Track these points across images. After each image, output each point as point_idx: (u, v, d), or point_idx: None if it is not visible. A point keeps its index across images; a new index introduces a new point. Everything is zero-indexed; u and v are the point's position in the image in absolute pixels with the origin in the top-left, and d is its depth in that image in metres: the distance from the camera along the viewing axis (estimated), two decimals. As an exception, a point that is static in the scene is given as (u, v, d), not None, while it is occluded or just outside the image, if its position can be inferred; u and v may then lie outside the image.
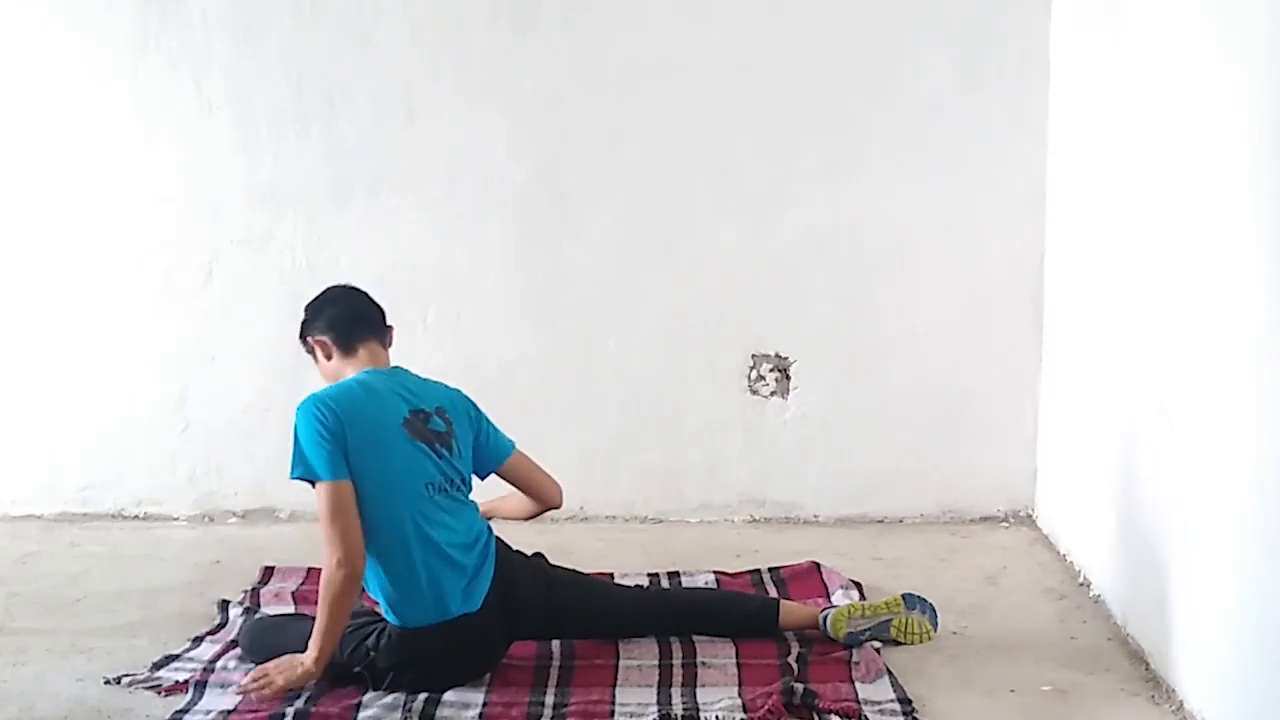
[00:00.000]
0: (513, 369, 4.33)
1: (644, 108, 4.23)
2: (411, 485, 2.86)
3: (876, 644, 3.09)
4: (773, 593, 3.54)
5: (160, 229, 4.36)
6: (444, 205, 4.31)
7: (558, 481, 3.20)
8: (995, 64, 4.14)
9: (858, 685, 2.87)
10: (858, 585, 3.54)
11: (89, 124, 4.33)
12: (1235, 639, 2.55)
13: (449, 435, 2.95)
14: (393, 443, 2.86)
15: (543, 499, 3.19)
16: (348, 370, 2.97)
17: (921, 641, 3.16)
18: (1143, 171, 3.14)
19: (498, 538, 3.02)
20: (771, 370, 4.33)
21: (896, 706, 2.78)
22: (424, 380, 3.03)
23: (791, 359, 4.32)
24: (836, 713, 2.73)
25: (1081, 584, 3.60)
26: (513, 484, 3.17)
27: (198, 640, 3.25)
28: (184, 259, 4.37)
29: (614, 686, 2.91)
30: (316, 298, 3.08)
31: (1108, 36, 3.49)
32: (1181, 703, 2.76)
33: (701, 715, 2.75)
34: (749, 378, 4.33)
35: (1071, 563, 3.77)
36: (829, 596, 3.45)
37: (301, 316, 3.07)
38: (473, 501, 3.02)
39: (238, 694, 2.85)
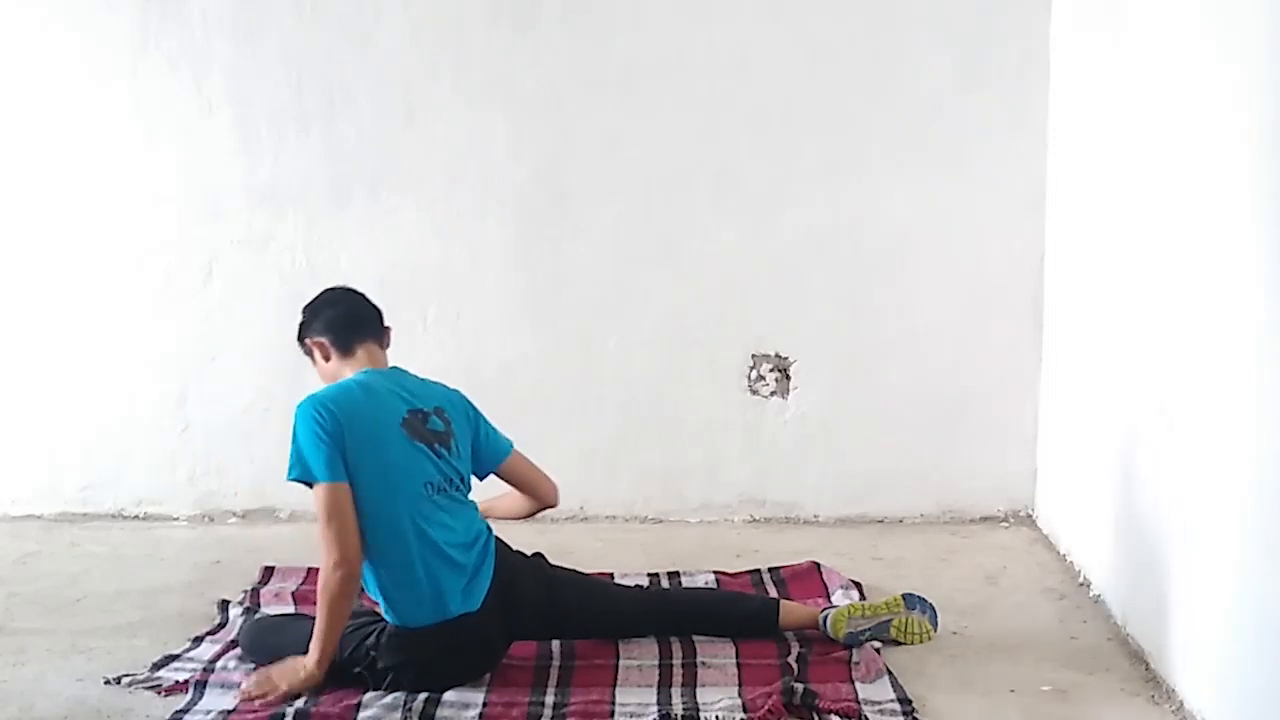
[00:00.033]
0: (513, 369, 4.33)
1: (644, 108, 4.23)
2: (410, 485, 2.86)
3: (876, 644, 3.09)
4: (773, 593, 3.54)
5: (160, 229, 4.37)
6: (444, 205, 4.31)
7: (554, 480, 3.20)
8: (995, 64, 4.14)
9: (858, 685, 2.87)
10: (858, 585, 3.54)
11: (89, 124, 4.34)
12: (1235, 639, 2.55)
13: (448, 435, 2.95)
14: (391, 443, 2.86)
15: (540, 498, 3.20)
16: (346, 371, 2.97)
17: (921, 641, 3.16)
18: (1143, 171, 3.14)
19: (497, 538, 3.02)
20: (771, 370, 4.33)
21: (896, 706, 2.78)
22: (422, 380, 3.03)
23: (791, 359, 4.32)
24: (836, 713, 2.73)
25: (1081, 584, 3.60)
26: (511, 483, 3.17)
27: (198, 640, 3.25)
28: (184, 259, 4.37)
29: (614, 686, 2.91)
30: (314, 299, 3.09)
31: (1108, 36, 3.49)
32: (1181, 703, 2.76)
33: (701, 715, 2.75)
34: (749, 378, 4.34)
35: (1071, 563, 3.77)
36: (829, 596, 3.45)
37: (299, 318, 3.08)
38: (472, 501, 3.02)
39: (240, 699, 2.84)
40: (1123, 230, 3.30)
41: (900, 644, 3.14)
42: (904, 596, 3.19)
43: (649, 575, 3.70)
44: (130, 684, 2.98)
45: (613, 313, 4.33)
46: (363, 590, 3.03)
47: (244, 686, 2.88)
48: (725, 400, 4.34)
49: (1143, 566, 3.06)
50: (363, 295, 3.10)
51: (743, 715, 2.74)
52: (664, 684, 2.92)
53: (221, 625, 3.36)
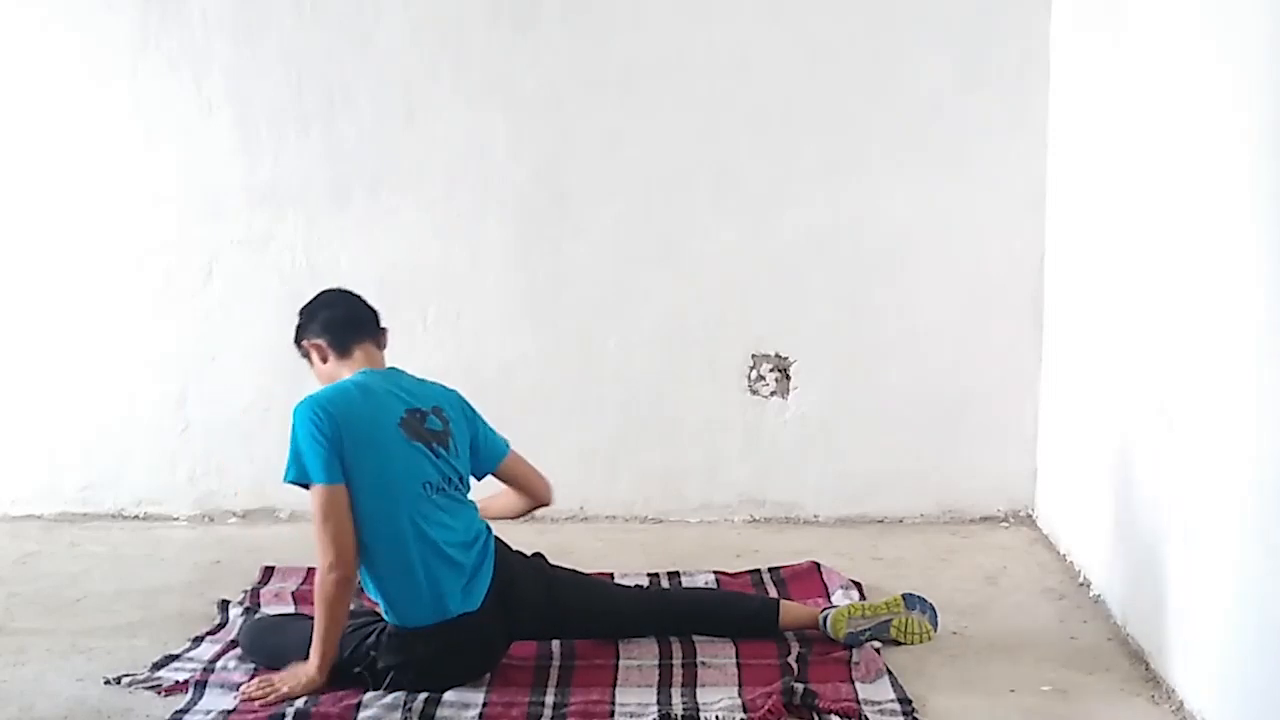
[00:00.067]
0: (513, 369, 4.33)
1: (644, 108, 4.23)
2: (409, 485, 2.86)
3: (876, 644, 3.09)
4: (773, 593, 3.54)
5: (160, 229, 4.37)
6: (444, 205, 4.31)
7: (548, 479, 3.22)
8: (995, 64, 4.14)
9: (858, 685, 2.87)
10: (858, 585, 3.54)
11: (89, 124, 4.33)
12: (1235, 639, 2.55)
13: (446, 434, 2.95)
14: (389, 443, 2.86)
15: (535, 496, 3.22)
16: (344, 372, 2.97)
17: (921, 641, 3.16)
18: (1143, 171, 3.14)
19: (497, 538, 3.02)
20: (771, 370, 4.33)
21: (896, 706, 2.78)
22: (420, 380, 3.04)
23: (791, 359, 4.32)
24: (836, 713, 2.73)
25: (1081, 584, 3.60)
26: (507, 483, 3.18)
27: (198, 640, 3.25)
28: (184, 259, 4.37)
29: (614, 686, 2.91)
30: (310, 302, 3.09)
31: (1108, 36, 3.49)
32: (1181, 703, 2.76)
33: (701, 715, 2.75)
34: (749, 378, 4.34)
35: (1071, 563, 3.77)
36: (829, 596, 3.45)
37: (296, 320, 3.08)
38: (471, 501, 3.02)
39: (240, 700, 2.85)
40: (1123, 230, 3.30)
41: (900, 644, 3.14)
42: (904, 596, 3.19)
43: (649, 575, 3.70)
44: (130, 684, 2.98)
45: (613, 313, 4.33)
46: (362, 591, 3.03)
47: (244, 688, 2.88)
48: (725, 400, 4.34)
49: (1142, 567, 3.06)
50: (359, 297, 3.11)
51: (743, 715, 2.74)
52: (664, 684, 2.92)
53: (221, 625, 3.36)
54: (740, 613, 3.21)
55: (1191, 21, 2.84)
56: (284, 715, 2.73)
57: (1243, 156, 2.52)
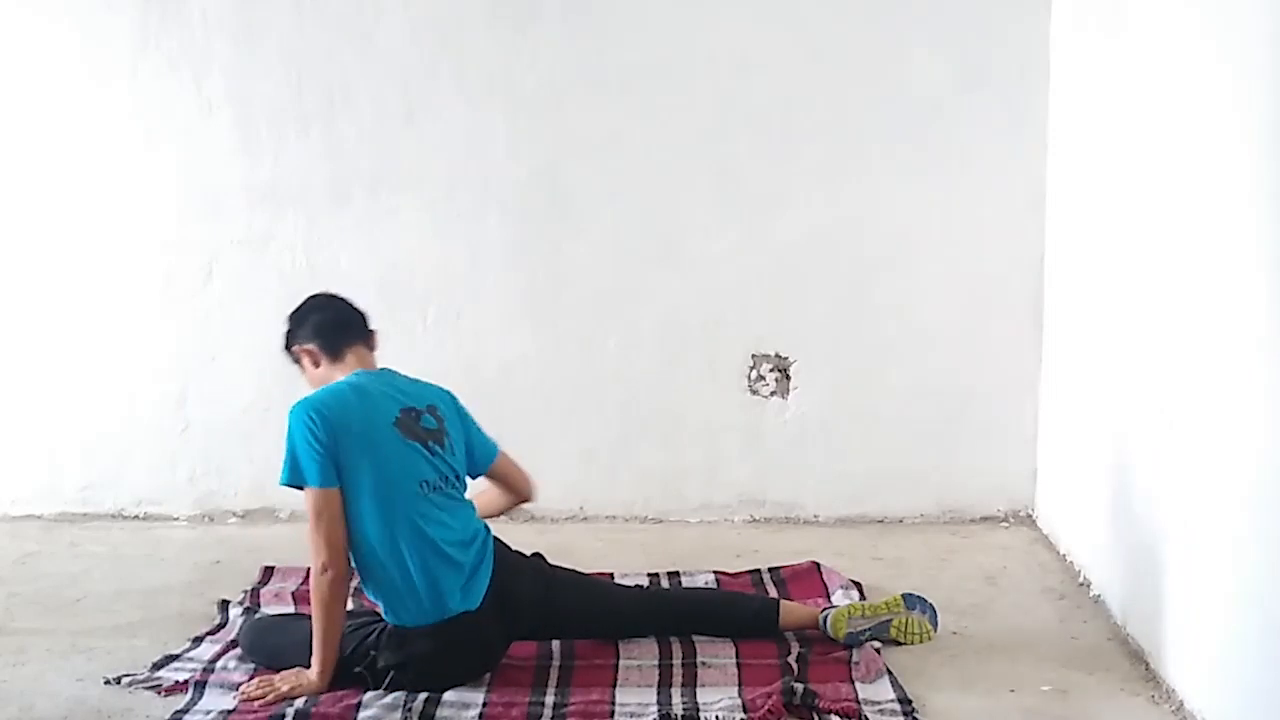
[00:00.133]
0: (513, 369, 4.33)
1: (644, 108, 4.23)
2: (406, 484, 2.87)
3: (876, 644, 3.09)
4: (773, 593, 3.54)
5: (160, 229, 4.37)
6: (444, 205, 4.31)
7: (530, 476, 3.24)
8: (995, 64, 4.14)
9: (858, 685, 2.87)
10: (858, 585, 3.54)
11: (89, 124, 4.33)
12: (1235, 639, 2.55)
13: (441, 433, 2.96)
14: (385, 442, 2.86)
15: (520, 494, 3.24)
16: (336, 376, 2.98)
17: (921, 641, 3.16)
18: (1143, 172, 3.14)
19: (496, 537, 3.03)
20: (771, 370, 4.33)
21: (896, 706, 2.78)
22: (413, 380, 3.04)
23: (791, 359, 4.32)
24: (836, 713, 2.73)
25: (1081, 584, 3.60)
26: (495, 481, 3.19)
27: (198, 640, 3.25)
28: (184, 259, 4.37)
29: (614, 686, 2.91)
30: (299, 307, 3.10)
31: (1108, 37, 3.49)
32: (1181, 703, 2.76)
33: (701, 715, 2.75)
34: (749, 378, 4.33)
35: (1071, 563, 3.77)
36: (829, 596, 3.45)
37: (285, 327, 3.08)
38: (468, 500, 3.02)
39: (240, 700, 2.85)
40: (1123, 230, 3.30)
41: (900, 644, 3.14)
42: (904, 596, 3.19)
43: (649, 575, 3.70)
44: (130, 684, 2.98)
45: (613, 313, 4.33)
46: (362, 591, 3.03)
47: (244, 688, 2.88)
48: (725, 400, 4.33)
49: (1142, 566, 3.06)
50: (346, 299, 3.12)
51: (743, 715, 2.74)
52: (664, 684, 2.92)
53: (221, 625, 3.36)
54: (740, 613, 3.21)
55: (1191, 21, 2.84)
56: (284, 715, 2.73)
57: (1243, 156, 2.52)
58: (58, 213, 4.38)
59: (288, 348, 3.08)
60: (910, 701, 2.80)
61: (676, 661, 3.03)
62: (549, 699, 2.85)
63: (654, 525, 4.34)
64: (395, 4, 4.23)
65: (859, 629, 3.10)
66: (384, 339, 3.97)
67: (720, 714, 2.75)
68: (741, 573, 3.71)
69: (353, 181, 4.31)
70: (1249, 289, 2.46)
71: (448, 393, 3.08)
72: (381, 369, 3.04)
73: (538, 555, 3.20)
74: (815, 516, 4.35)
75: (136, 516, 4.47)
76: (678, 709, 2.78)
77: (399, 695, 2.81)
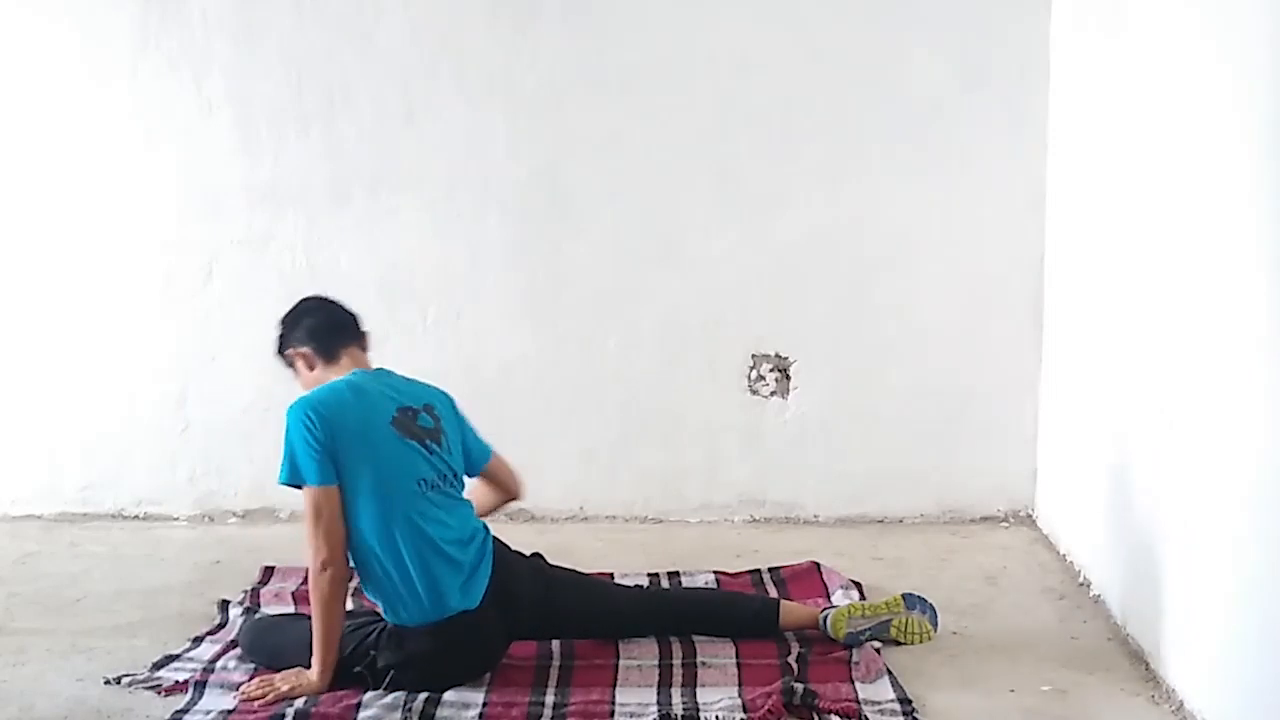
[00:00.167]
0: (513, 369, 4.33)
1: (644, 108, 4.23)
2: (404, 482, 2.87)
3: (876, 644, 3.09)
4: (773, 593, 3.54)
5: (160, 229, 4.37)
6: (444, 205, 4.31)
7: (519, 475, 3.25)
8: (995, 64, 4.14)
9: (858, 685, 2.87)
10: (858, 585, 3.54)
11: (89, 124, 4.33)
12: (1234, 639, 2.55)
13: (438, 431, 2.96)
14: (383, 441, 2.87)
15: (510, 493, 3.26)
16: (331, 378, 2.98)
17: (921, 641, 3.16)
18: (1143, 171, 3.14)
19: (495, 537, 3.03)
20: (771, 370, 4.33)
21: (896, 706, 2.78)
22: (409, 380, 3.05)
23: (791, 359, 4.32)
24: (836, 713, 2.73)
25: (1081, 584, 3.60)
26: (488, 481, 3.20)
27: (198, 640, 3.25)
28: (184, 259, 4.37)
29: (614, 686, 2.91)
30: (290, 311, 3.10)
31: (1108, 36, 3.49)
32: (1181, 703, 2.76)
33: (701, 715, 2.75)
34: (749, 378, 4.33)
35: (1071, 563, 3.77)
36: (829, 596, 3.45)
37: (277, 331, 3.08)
38: (466, 499, 3.02)
39: (240, 699, 2.85)
40: (1123, 230, 3.30)
41: (900, 644, 3.14)
42: (904, 596, 3.19)
43: (649, 575, 3.70)
44: (130, 684, 2.98)
45: (613, 313, 4.33)
46: (362, 591, 3.03)
47: (244, 688, 2.88)
48: (725, 400, 4.33)
49: (1142, 566, 3.06)
50: (338, 301, 3.12)
51: (743, 715, 2.74)
52: (664, 684, 2.92)
53: (221, 625, 3.36)
54: (740, 613, 3.21)
55: (1191, 21, 2.84)
56: (284, 715, 2.73)
57: (1243, 156, 2.52)
58: (58, 213, 4.38)
59: (281, 352, 3.08)
60: (910, 701, 2.80)
61: (676, 661, 3.03)
62: (549, 699, 2.85)
63: (654, 525, 4.34)
64: (395, 4, 4.23)
65: (859, 629, 3.10)
66: (384, 339, 3.98)
67: (720, 714, 2.75)
68: (741, 573, 3.71)
69: (353, 181, 4.31)
70: (1249, 289, 2.46)
71: (444, 393, 3.08)
72: (378, 369, 3.04)
73: (537, 555, 3.20)
74: (815, 516, 4.35)
75: (136, 516, 4.47)
76: (678, 709, 2.78)
77: (399, 695, 2.81)
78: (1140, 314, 3.14)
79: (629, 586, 3.52)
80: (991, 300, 4.23)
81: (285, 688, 2.83)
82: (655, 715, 2.74)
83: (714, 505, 4.37)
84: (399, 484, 2.86)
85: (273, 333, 3.12)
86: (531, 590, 3.02)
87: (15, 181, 4.38)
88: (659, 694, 2.86)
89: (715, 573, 3.71)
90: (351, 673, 2.87)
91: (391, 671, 2.85)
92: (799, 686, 2.79)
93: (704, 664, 3.01)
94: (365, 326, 3.10)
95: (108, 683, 2.99)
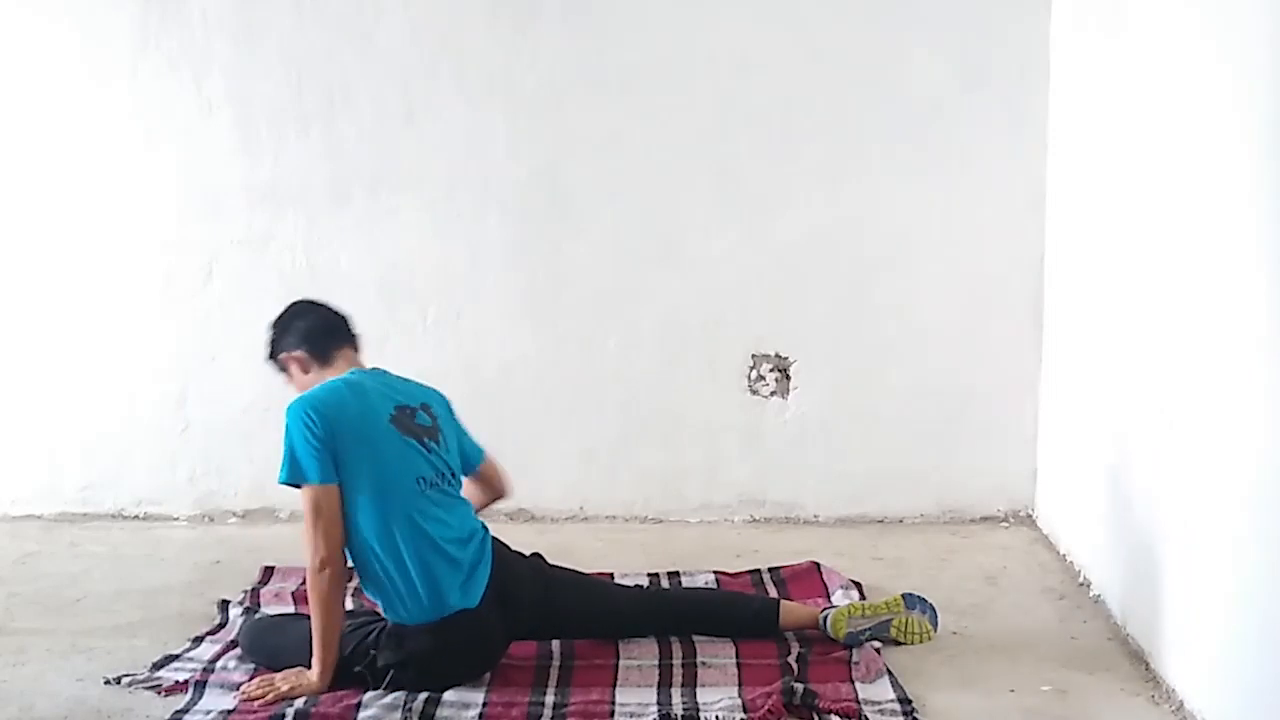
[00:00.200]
0: (513, 369, 4.33)
1: (644, 108, 4.23)
2: (404, 480, 2.87)
3: (876, 644, 3.09)
4: (773, 593, 3.54)
5: (160, 229, 4.37)
6: (444, 205, 4.31)
7: (508, 474, 3.27)
8: (995, 64, 4.14)
9: (858, 685, 2.87)
10: (858, 585, 3.54)
11: (89, 124, 4.33)
12: (1234, 639, 2.55)
13: (435, 429, 2.97)
14: (382, 439, 2.87)
15: (498, 492, 3.26)
16: (327, 379, 2.97)
17: (921, 641, 3.16)
18: (1143, 171, 3.14)
19: (495, 537, 3.03)
20: (771, 370, 4.33)
21: (896, 706, 2.78)
22: (404, 379, 3.06)
23: (791, 359, 4.32)
24: (836, 713, 2.73)
25: (1081, 584, 3.60)
26: (478, 481, 3.20)
27: (198, 640, 3.25)
28: (184, 259, 4.37)
29: (614, 686, 2.91)
30: (280, 316, 3.10)
31: (1108, 37, 3.49)
32: (1181, 703, 2.76)
33: (701, 715, 2.75)
34: (749, 378, 4.33)
35: (1071, 563, 3.77)
36: (829, 596, 3.45)
37: (268, 336, 3.08)
38: (464, 498, 3.03)
39: (240, 699, 2.85)
40: (1123, 230, 3.30)
41: (900, 644, 3.13)
42: (904, 596, 3.19)
43: (649, 575, 3.70)
44: (130, 684, 2.98)
45: (613, 313, 4.33)
46: (362, 592, 3.03)
47: (244, 688, 2.88)
48: (725, 400, 4.33)
49: (1142, 567, 3.06)
50: (328, 304, 3.12)
51: (743, 715, 2.74)
52: (664, 684, 2.92)
53: (221, 625, 3.36)
54: (740, 613, 3.21)
55: (1191, 21, 2.84)
56: (284, 715, 2.73)
57: (1243, 156, 2.52)
58: (58, 213, 4.38)
59: (274, 356, 3.08)
60: (910, 701, 2.80)
61: (676, 661, 3.03)
62: (549, 699, 2.85)
63: (654, 525, 4.34)
64: (395, 4, 4.23)
65: (859, 629, 3.10)
66: (384, 339, 3.99)
67: (720, 714, 2.75)
68: (741, 573, 3.71)
69: (353, 181, 4.31)
70: (1249, 289, 2.46)
71: (438, 392, 3.09)
72: (373, 368, 3.04)
73: (537, 555, 3.20)
74: (815, 516, 4.35)
75: (136, 516, 4.46)
76: (678, 709, 2.78)
77: (399, 695, 2.81)
78: (1140, 314, 3.14)
79: (629, 586, 3.52)
80: (991, 300, 4.23)
81: (285, 688, 2.84)
82: (655, 715, 2.74)
83: (714, 505, 4.37)
84: (399, 482, 2.87)
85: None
86: (531, 590, 3.02)
87: (15, 181, 4.38)
88: (659, 694, 2.86)
89: (715, 573, 3.71)
90: (352, 672, 2.87)
91: (391, 671, 2.85)
92: (799, 686, 2.79)
93: (704, 664, 3.01)
94: (356, 328, 3.10)
95: (108, 683, 2.99)
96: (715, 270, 4.28)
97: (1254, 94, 2.46)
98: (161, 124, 4.32)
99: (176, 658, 3.13)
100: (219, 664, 3.07)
